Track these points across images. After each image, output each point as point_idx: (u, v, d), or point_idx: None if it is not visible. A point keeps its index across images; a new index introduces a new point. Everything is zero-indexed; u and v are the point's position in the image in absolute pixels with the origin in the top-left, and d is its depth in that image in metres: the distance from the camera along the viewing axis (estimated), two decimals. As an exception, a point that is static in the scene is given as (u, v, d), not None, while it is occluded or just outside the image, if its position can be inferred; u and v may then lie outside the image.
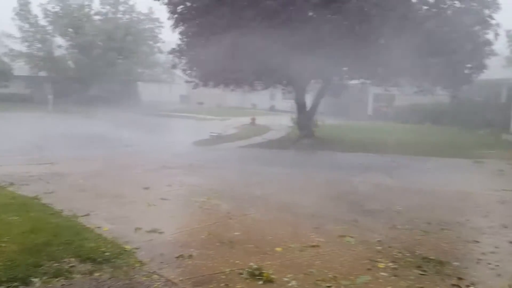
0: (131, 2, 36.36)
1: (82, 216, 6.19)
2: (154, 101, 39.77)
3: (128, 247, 5.02)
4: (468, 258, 5.12)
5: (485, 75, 16.14)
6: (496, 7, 14.30)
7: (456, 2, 14.68)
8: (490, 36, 14.80)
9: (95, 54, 33.75)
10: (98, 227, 5.70)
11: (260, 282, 4.26)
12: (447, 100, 23.29)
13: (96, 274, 4.28)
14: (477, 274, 4.60)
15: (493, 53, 15.18)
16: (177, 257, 4.82)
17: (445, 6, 14.71)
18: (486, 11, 14.44)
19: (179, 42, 16.08)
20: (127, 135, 18.20)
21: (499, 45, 17.10)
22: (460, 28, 14.17)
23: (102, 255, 4.67)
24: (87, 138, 16.82)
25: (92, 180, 9.08)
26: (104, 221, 6.05)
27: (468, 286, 4.28)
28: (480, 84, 18.38)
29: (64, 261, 4.46)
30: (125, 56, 35.62)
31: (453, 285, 4.30)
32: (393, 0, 13.48)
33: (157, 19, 35.65)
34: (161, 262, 4.68)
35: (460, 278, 4.44)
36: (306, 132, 17.41)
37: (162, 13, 47.42)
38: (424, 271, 4.63)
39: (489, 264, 4.88)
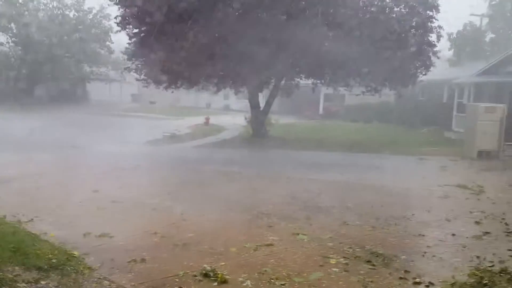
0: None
1: (26, 222, 5.90)
2: (104, 100, 38.52)
3: (76, 253, 4.84)
4: (414, 251, 5.35)
5: (429, 76, 17.00)
6: (436, 9, 15.11)
7: (401, 4, 15.34)
8: (433, 38, 15.61)
9: (40, 52, 32.15)
10: (44, 233, 5.45)
11: (215, 284, 4.24)
12: (393, 100, 24.27)
13: (43, 282, 4.09)
14: (423, 267, 4.83)
15: (436, 54, 16.00)
16: (129, 262, 4.70)
17: (389, 9, 15.33)
18: (429, 13, 15.23)
19: (129, 41, 15.69)
20: (75, 136, 17.51)
21: (442, 47, 18.03)
22: (404, 30, 14.84)
23: (49, 262, 4.47)
24: (32, 140, 16.01)
25: (37, 183, 8.67)
26: (51, 226, 5.80)
27: (414, 278, 4.48)
28: (424, 84, 19.30)
29: (8, 270, 4.22)
30: (72, 54, 34.16)
31: (401, 278, 4.49)
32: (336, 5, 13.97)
33: (107, 16, 34.36)
34: (112, 268, 4.55)
35: (407, 271, 4.64)
36: (259, 131, 17.57)
37: (113, 10, 45.96)
38: (374, 265, 4.80)
39: (434, 256, 5.14)
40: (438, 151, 14.77)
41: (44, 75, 33.09)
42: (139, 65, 16.57)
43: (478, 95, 18.83)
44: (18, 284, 4.00)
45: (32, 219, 6.05)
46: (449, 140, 17.69)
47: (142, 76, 17.06)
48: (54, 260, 4.52)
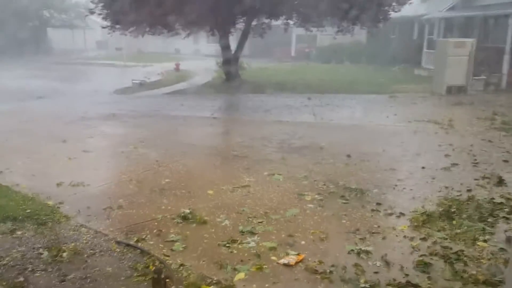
0: None
1: (-5, 175, 5.75)
2: (67, 48, 36.83)
3: (50, 202, 4.78)
4: (386, 185, 5.53)
5: (400, 13, 16.82)
6: None
7: None
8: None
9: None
10: (16, 185, 5.34)
11: (194, 225, 4.30)
12: (365, 39, 24.12)
13: (19, 233, 4.05)
14: (394, 199, 5.01)
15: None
16: (105, 209, 4.68)
17: None
18: None
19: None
20: (39, 85, 16.82)
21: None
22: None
23: (23, 212, 4.41)
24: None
25: (3, 135, 8.38)
26: (22, 177, 5.67)
27: (386, 210, 4.65)
28: (395, 21, 19.15)
29: (-20, 223, 4.16)
30: (29, -1, 32.04)
31: (373, 210, 4.66)
32: None
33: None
34: (89, 215, 4.52)
35: (378, 203, 4.82)
36: (231, 76, 17.27)
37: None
38: (347, 200, 4.95)
39: (405, 189, 5.33)
40: (408, 88, 14.97)
41: (1, 23, 31.05)
42: (103, 8, 15.69)
43: (448, 31, 18.91)
44: (-8, 236, 3.95)
45: (1, 171, 5.89)
46: (419, 77, 17.91)
47: (107, 22, 16.25)
48: (28, 210, 4.46)
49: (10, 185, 5.31)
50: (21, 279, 3.27)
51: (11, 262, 3.51)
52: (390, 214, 4.56)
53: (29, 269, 3.43)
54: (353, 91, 14.67)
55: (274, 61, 27.67)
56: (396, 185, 5.45)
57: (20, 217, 4.31)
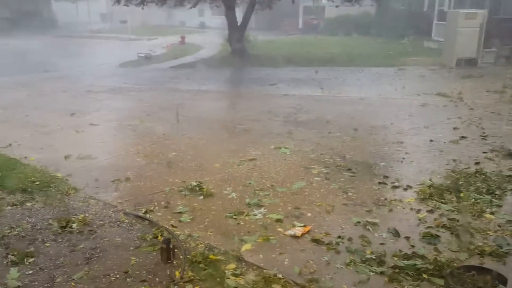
0: None
1: (5, 147, 5.79)
2: (71, 22, 36.48)
3: (59, 175, 4.82)
4: (393, 158, 5.50)
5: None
6: None
7: None
8: None
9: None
10: (25, 157, 5.38)
11: (201, 197, 4.33)
12: (373, 11, 23.61)
13: (28, 204, 4.11)
14: (401, 172, 4.99)
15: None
16: (113, 181, 4.72)
17: None
18: None
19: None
20: (46, 59, 16.75)
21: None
22: None
23: (32, 185, 4.46)
24: (0, 65, 15.30)
25: (11, 109, 8.41)
26: (30, 150, 5.71)
27: (393, 183, 4.64)
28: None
29: (-10, 195, 4.22)
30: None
31: (380, 183, 4.65)
32: None
33: None
34: (97, 187, 4.57)
35: (386, 176, 4.80)
36: (237, 49, 17.05)
37: None
38: (354, 173, 4.94)
39: (412, 162, 5.30)
40: (417, 61, 14.72)
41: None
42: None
43: (458, 2, 18.40)
44: (3, 207, 4.01)
45: (10, 144, 5.94)
46: (428, 50, 17.57)
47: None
48: (37, 183, 4.51)
49: (19, 158, 5.36)
50: (32, 249, 3.33)
51: (22, 233, 3.57)
52: (397, 187, 4.55)
53: (39, 239, 3.49)
54: (361, 64, 14.45)
55: (281, 34, 27.25)
56: (403, 158, 5.42)
57: (30, 189, 4.37)
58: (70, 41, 26.10)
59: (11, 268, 3.07)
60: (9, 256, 3.22)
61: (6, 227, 3.64)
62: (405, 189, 4.49)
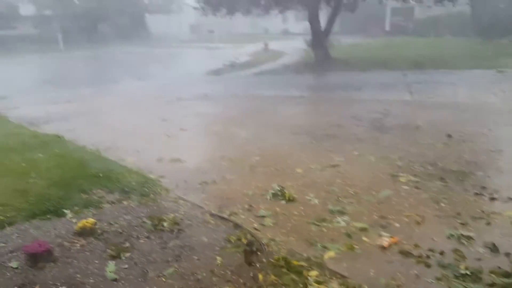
0: None
1: (104, 150, 6.31)
2: (163, 33, 38.89)
3: (152, 176, 5.14)
4: (492, 167, 5.07)
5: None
6: None
7: None
8: None
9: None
10: (122, 160, 5.81)
11: (283, 202, 4.35)
12: (468, 10, 22.05)
13: (125, 203, 4.42)
14: (500, 183, 4.58)
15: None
16: (201, 184, 4.92)
17: None
18: None
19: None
20: (140, 69, 18.04)
21: None
22: None
23: (129, 185, 4.80)
24: (100, 73, 16.77)
25: (110, 115, 9.15)
26: (126, 153, 6.15)
27: (491, 194, 4.28)
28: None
29: (93, 193, 4.61)
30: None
31: (476, 193, 4.31)
32: None
33: None
34: (186, 189, 4.79)
35: (483, 187, 4.44)
36: (321, 54, 16.93)
37: None
38: (446, 182, 4.63)
39: (513, 172, 4.85)
40: (519, 62, 13.47)
41: (105, 10, 33.68)
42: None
43: None
44: (103, 205, 4.36)
45: (109, 147, 6.45)
46: (533, 50, 16.01)
47: (200, 4, 16.83)
48: (133, 183, 4.84)
49: (117, 160, 5.80)
50: (127, 244, 3.58)
51: (119, 229, 3.85)
52: (496, 199, 4.18)
53: (134, 236, 3.74)
54: (455, 66, 13.56)
55: (366, 37, 26.56)
56: (503, 168, 4.98)
57: (126, 189, 4.70)
58: (162, 51, 27.82)
59: (109, 262, 3.32)
60: (107, 250, 3.49)
61: (105, 223, 3.95)
62: (505, 202, 4.11)
